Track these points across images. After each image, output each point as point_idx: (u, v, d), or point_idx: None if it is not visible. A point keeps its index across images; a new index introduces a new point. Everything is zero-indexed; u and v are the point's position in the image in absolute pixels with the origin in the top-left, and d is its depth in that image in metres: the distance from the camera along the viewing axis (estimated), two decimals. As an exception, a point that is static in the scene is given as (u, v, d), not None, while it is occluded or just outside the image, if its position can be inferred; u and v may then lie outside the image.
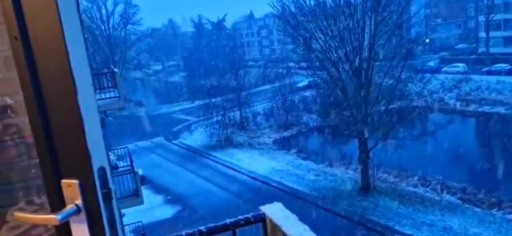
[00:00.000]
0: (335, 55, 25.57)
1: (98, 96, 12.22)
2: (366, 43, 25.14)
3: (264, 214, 3.14)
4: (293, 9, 27.64)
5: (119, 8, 64.18)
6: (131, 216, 18.00)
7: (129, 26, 66.05)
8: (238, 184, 30.14)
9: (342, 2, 25.21)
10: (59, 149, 1.33)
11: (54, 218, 1.28)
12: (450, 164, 27.58)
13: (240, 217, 3.07)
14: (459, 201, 23.44)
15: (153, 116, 56.37)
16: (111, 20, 63.83)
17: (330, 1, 26.20)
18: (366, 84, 25.14)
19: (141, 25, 69.54)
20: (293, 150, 36.20)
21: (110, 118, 33.21)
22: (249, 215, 3.14)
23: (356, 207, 23.72)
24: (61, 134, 1.32)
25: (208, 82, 52.12)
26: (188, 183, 31.40)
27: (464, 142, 34.14)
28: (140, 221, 18.43)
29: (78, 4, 1.56)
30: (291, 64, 57.78)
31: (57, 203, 1.35)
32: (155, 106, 65.09)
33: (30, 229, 1.63)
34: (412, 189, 25.21)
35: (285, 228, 2.90)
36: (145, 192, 17.54)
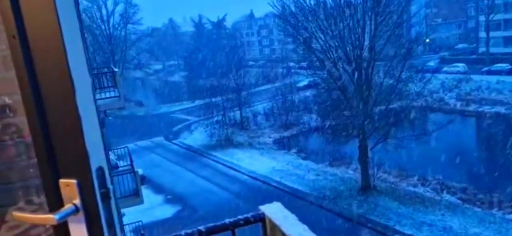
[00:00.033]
0: (335, 55, 25.57)
1: (98, 96, 12.22)
2: (366, 42, 25.13)
3: (263, 214, 3.14)
4: (293, 8, 27.65)
5: (119, 8, 64.26)
6: (131, 215, 17.98)
7: (129, 26, 66.07)
8: (238, 184, 30.14)
9: (342, 1, 25.20)
10: (58, 148, 1.32)
11: (52, 217, 1.27)
12: (450, 164, 27.56)
13: (240, 217, 3.07)
14: (459, 201, 23.44)
15: (153, 116, 56.40)
16: (111, 20, 63.87)
17: (331, 1, 26.23)
18: (366, 84, 25.14)
19: (141, 24, 69.59)
20: (293, 150, 36.22)
21: (110, 118, 33.27)
22: (249, 215, 3.14)
23: (356, 207, 23.71)
24: (59, 133, 1.32)
25: (208, 81, 52.10)
26: (188, 183, 31.40)
27: (464, 142, 34.16)
28: (140, 221, 18.41)
29: (77, 4, 1.55)
30: (291, 64, 57.75)
31: (55, 202, 1.34)
32: (155, 105, 65.10)
33: (29, 229, 1.62)
34: (412, 189, 25.20)
35: (284, 228, 2.90)
36: (145, 191, 17.55)
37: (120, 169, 16.70)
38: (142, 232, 18.89)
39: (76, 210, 1.32)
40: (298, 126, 42.55)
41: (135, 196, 14.37)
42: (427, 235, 20.46)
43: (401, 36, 29.37)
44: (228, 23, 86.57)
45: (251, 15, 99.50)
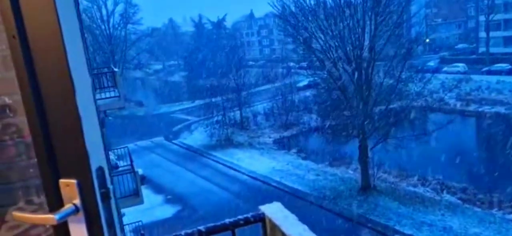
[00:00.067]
0: (335, 55, 25.56)
1: (98, 96, 12.22)
2: (366, 42, 25.13)
3: (263, 214, 3.14)
4: (293, 8, 27.65)
5: (119, 8, 64.25)
6: (131, 215, 17.98)
7: (129, 26, 66.07)
8: (238, 184, 30.14)
9: (342, 1, 25.20)
10: (57, 148, 1.32)
11: (52, 217, 1.27)
12: (450, 164, 27.56)
13: (240, 217, 3.07)
14: (459, 201, 23.43)
15: (153, 116, 56.40)
16: (111, 20, 63.86)
17: (331, 1, 26.23)
18: (366, 84, 25.14)
19: (141, 24, 69.58)
20: (293, 150, 36.21)
21: (110, 118, 33.27)
22: (249, 215, 3.14)
23: (356, 207, 23.71)
24: (59, 133, 1.32)
25: (208, 81, 52.10)
26: (188, 183, 31.40)
27: (464, 142, 34.16)
28: (140, 221, 18.41)
29: (77, 4, 1.55)
30: (291, 63, 57.74)
31: (55, 202, 1.34)
32: (155, 105, 65.10)
33: (29, 228, 1.62)
34: (412, 189, 25.20)
35: (284, 228, 2.90)
36: (145, 191, 17.55)
37: (120, 169, 16.70)
38: (142, 232, 18.89)
39: (76, 210, 1.32)
40: (298, 126, 42.54)
41: (135, 196, 14.37)
42: (427, 235, 20.46)
43: (401, 36, 29.37)
44: (228, 23, 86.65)
45: (251, 15, 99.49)
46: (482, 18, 61.39)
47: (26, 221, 1.56)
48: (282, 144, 38.60)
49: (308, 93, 45.68)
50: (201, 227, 2.98)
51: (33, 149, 1.43)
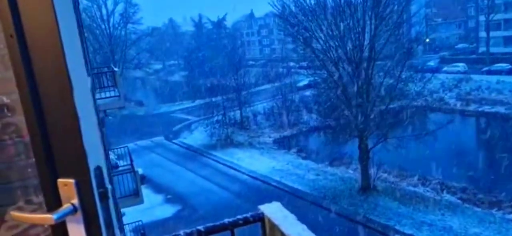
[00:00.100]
0: (335, 55, 25.56)
1: (98, 95, 12.22)
2: (366, 42, 25.13)
3: (263, 213, 3.14)
4: (293, 8, 27.65)
5: (119, 7, 64.23)
6: (131, 215, 17.99)
7: (130, 25, 66.07)
8: (238, 184, 30.15)
9: (342, 1, 25.19)
10: (55, 148, 1.32)
11: (50, 217, 1.27)
12: (450, 164, 27.56)
13: (239, 216, 3.06)
14: (459, 201, 23.43)
15: (153, 115, 56.41)
16: (112, 19, 63.84)
17: (331, 1, 26.20)
18: (367, 83, 25.13)
19: (142, 24, 69.55)
20: (293, 150, 36.22)
21: (110, 117, 33.26)
22: (248, 215, 3.13)
23: (356, 207, 23.71)
24: (57, 133, 1.32)
25: (209, 81, 52.12)
26: (188, 183, 31.41)
27: (464, 141, 34.15)
28: (140, 220, 18.42)
29: (76, 3, 1.55)
30: (292, 63, 57.73)
31: (53, 202, 1.34)
32: (155, 105, 65.11)
33: (28, 228, 1.62)
34: (412, 188, 25.20)
35: (283, 228, 2.89)
36: (145, 191, 17.55)
37: (120, 168, 16.70)
38: (142, 231, 18.90)
39: (74, 210, 1.31)
40: (298, 126, 42.55)
41: (135, 196, 14.37)
42: (427, 235, 20.46)
43: (401, 36, 29.37)
44: (228, 22, 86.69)
45: (251, 15, 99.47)
46: (482, 18, 61.39)
47: (24, 221, 1.55)
48: (282, 144, 38.61)
49: (308, 93, 45.64)
50: (200, 227, 2.98)
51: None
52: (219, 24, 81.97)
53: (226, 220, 3.02)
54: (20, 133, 1.59)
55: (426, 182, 25.76)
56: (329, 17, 25.89)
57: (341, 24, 25.12)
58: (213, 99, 42.46)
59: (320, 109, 34.42)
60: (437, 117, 34.55)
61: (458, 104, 43.41)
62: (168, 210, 27.03)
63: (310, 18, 26.94)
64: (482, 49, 60.91)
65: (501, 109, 40.61)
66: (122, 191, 14.00)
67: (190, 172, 33.85)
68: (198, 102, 49.18)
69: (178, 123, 50.43)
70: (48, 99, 1.30)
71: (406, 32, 37.60)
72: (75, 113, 1.28)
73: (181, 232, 2.95)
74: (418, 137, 27.01)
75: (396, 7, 25.75)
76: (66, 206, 1.31)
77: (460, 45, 70.40)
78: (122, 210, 15.40)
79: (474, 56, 61.56)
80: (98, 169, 1.34)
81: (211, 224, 3.02)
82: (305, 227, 2.89)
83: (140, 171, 17.68)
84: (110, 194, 1.38)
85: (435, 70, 41.57)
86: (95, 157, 1.33)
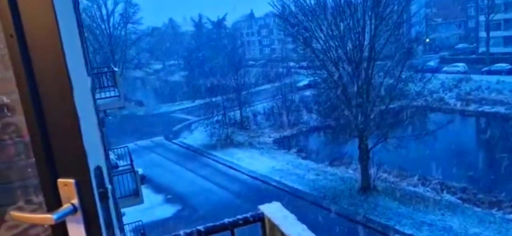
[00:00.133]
0: (335, 55, 25.56)
1: (98, 95, 12.21)
2: (366, 42, 25.13)
3: (262, 213, 3.14)
4: (293, 8, 27.65)
5: (119, 7, 64.23)
6: (131, 215, 17.99)
7: (130, 25, 66.06)
8: (238, 184, 30.15)
9: (342, 1, 25.19)
10: (55, 148, 1.32)
11: (50, 217, 1.27)
12: (450, 164, 27.56)
13: (239, 216, 3.06)
14: (459, 201, 23.43)
15: (153, 115, 56.41)
16: (112, 19, 63.83)
17: (331, 1, 26.20)
18: (367, 83, 25.13)
19: (142, 24, 69.54)
20: (293, 150, 36.22)
21: (110, 117, 33.27)
22: (248, 215, 3.13)
23: (356, 207, 23.71)
24: (57, 133, 1.32)
25: (209, 81, 52.11)
26: (188, 183, 31.41)
27: (464, 141, 34.16)
28: (140, 220, 18.43)
29: (76, 2, 1.55)
30: (292, 63, 57.72)
31: (53, 202, 1.34)
32: (155, 105, 65.12)
33: (28, 228, 1.62)
34: (412, 188, 25.20)
35: (283, 228, 2.89)
36: (145, 191, 17.55)
37: (120, 168, 16.70)
38: (142, 231, 18.90)
39: (74, 210, 1.31)
40: (298, 126, 42.55)
41: (135, 196, 14.37)
42: (427, 235, 20.46)
43: (401, 36, 29.37)
44: (228, 22, 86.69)
45: (251, 15, 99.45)
46: (482, 18, 61.39)
47: (24, 221, 1.55)
48: (282, 144, 38.60)
49: (308, 92, 45.64)
50: (200, 227, 2.98)
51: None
52: (219, 24, 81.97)
53: (226, 220, 3.02)
54: (20, 133, 1.59)
55: (426, 182, 25.76)
56: (329, 17, 25.89)
57: (341, 24, 25.13)
58: (213, 99, 42.46)
59: (320, 109, 34.43)
60: (437, 117, 34.55)
61: (458, 104, 43.41)
62: (168, 210, 27.03)
63: (310, 18, 26.94)
64: (482, 49, 60.91)
65: (501, 109, 40.62)
66: (122, 191, 14.00)
67: (190, 172, 33.85)
68: (198, 102, 49.19)
69: (178, 123, 50.43)
70: (48, 99, 1.30)
71: (406, 32, 37.60)
72: (75, 113, 1.28)
73: (181, 232, 2.95)
74: (418, 137, 27.01)
75: (396, 7, 25.75)
76: (66, 206, 1.31)
77: (460, 45, 70.41)
78: (122, 210, 15.40)
79: (474, 56, 61.57)
80: (98, 169, 1.34)
81: (211, 224, 3.02)
82: (305, 227, 2.89)
83: (140, 171, 17.68)
84: (110, 194, 1.38)
85: (435, 70, 41.56)
86: (95, 157, 1.33)
